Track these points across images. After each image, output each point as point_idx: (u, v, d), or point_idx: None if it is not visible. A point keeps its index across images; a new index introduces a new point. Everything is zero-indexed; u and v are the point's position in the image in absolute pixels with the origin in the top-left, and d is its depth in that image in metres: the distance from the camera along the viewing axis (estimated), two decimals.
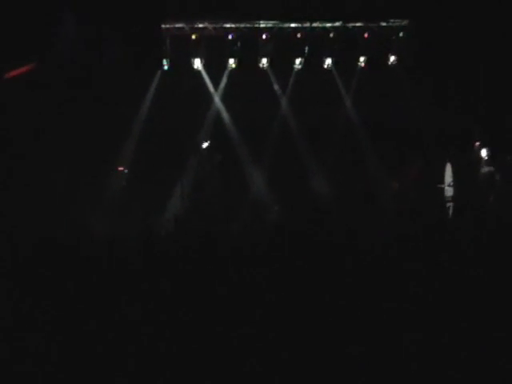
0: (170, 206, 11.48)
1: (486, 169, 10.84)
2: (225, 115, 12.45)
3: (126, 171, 11.60)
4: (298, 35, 12.27)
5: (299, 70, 12.52)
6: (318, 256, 6.16)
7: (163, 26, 11.92)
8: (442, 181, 11.56)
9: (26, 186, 9.86)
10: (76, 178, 10.70)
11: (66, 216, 9.27)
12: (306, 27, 12.30)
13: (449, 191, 11.39)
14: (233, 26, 12.19)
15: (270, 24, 12.27)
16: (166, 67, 12.17)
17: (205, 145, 11.43)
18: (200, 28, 12.15)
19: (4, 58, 9.96)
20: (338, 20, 12.19)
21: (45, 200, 9.75)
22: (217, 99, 12.51)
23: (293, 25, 12.31)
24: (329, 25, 12.28)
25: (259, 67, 12.37)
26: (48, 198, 9.80)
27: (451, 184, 11.34)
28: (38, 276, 5.29)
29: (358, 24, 12.28)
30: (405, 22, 12.25)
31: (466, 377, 4.11)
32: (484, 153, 10.93)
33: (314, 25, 12.27)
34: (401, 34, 12.31)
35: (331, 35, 12.26)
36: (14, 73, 9.78)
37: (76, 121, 10.89)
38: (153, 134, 11.65)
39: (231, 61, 12.27)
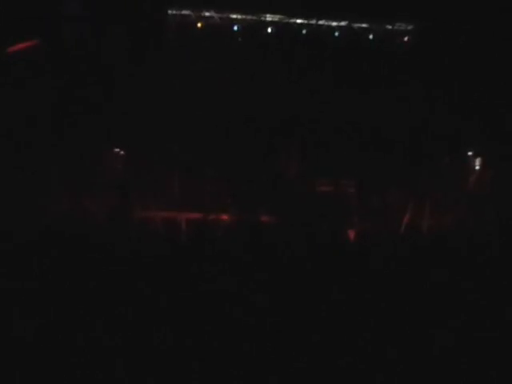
0: None
1: None
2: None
3: (121, 152, 11.71)
4: (303, 31, 12.32)
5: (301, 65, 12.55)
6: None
7: (169, 11, 12.01)
8: None
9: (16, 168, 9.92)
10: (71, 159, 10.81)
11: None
12: (311, 24, 12.34)
13: None
14: (239, 17, 12.26)
15: (276, 18, 12.32)
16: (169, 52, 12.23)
17: None
18: (206, 16, 12.24)
19: (8, 34, 10.03)
20: (344, 19, 12.22)
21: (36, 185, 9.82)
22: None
23: (299, 21, 12.35)
24: (334, 23, 12.31)
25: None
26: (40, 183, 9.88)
27: None
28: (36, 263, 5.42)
29: (364, 25, 12.32)
30: (410, 27, 12.28)
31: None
32: None
33: (320, 22, 12.31)
34: (405, 38, 12.34)
35: (336, 34, 12.31)
36: (16, 48, 9.89)
37: (74, 102, 10.99)
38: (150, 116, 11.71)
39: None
